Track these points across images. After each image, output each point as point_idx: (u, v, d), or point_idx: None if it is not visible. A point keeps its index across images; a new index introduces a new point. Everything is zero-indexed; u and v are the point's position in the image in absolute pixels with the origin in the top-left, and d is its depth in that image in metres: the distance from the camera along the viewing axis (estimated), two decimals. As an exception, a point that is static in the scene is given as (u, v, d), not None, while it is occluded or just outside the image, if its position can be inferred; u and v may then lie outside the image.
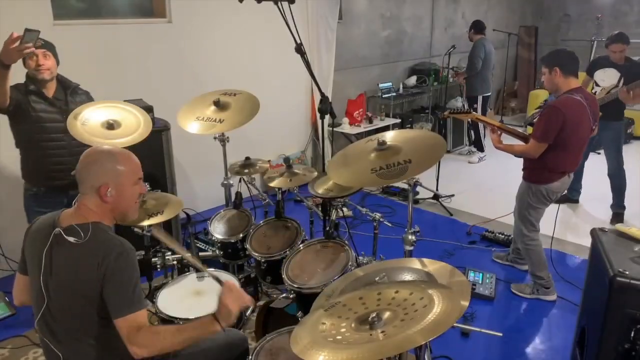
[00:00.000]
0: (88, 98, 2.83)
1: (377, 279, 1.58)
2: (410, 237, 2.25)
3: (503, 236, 3.94)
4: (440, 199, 4.77)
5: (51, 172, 2.67)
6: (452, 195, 4.88)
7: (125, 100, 3.02)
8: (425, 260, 1.88)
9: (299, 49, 2.50)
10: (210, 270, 2.04)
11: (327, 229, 2.54)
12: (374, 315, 1.35)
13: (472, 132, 6.39)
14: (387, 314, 1.38)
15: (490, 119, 3.43)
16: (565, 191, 4.50)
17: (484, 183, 5.38)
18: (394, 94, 6.17)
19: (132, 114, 2.76)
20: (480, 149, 6.16)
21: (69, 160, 2.69)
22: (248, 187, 3.11)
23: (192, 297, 2.23)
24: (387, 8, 6.22)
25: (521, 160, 3.12)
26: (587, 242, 2.42)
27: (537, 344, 2.84)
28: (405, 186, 2.15)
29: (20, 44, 2.22)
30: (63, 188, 2.72)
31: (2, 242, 3.39)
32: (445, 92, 6.55)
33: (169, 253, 2.83)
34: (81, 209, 1.61)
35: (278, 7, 2.38)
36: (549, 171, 2.96)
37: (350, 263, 2.22)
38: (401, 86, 6.44)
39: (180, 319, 2.05)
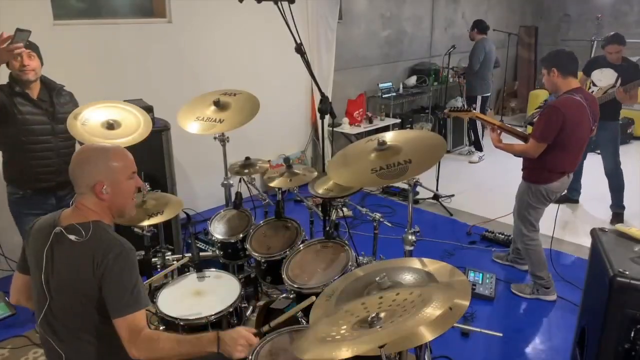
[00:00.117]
0: (72, 99, 2.80)
1: (377, 279, 1.58)
2: (410, 237, 2.25)
3: (503, 236, 3.94)
4: (440, 199, 4.77)
5: (38, 174, 2.65)
6: (452, 195, 4.89)
7: (125, 100, 3.02)
8: (425, 260, 1.88)
9: (299, 49, 2.50)
10: None
11: (327, 229, 2.54)
12: (374, 315, 1.35)
13: (471, 132, 6.40)
14: (387, 313, 1.38)
15: (490, 118, 3.43)
16: (565, 191, 4.51)
17: (484, 183, 5.38)
18: (394, 94, 6.17)
19: (132, 114, 2.76)
20: (479, 148, 6.17)
21: (56, 162, 2.69)
22: (248, 187, 3.11)
23: (192, 297, 2.23)
24: (387, 8, 6.22)
25: (521, 160, 3.12)
26: (587, 242, 2.42)
27: (537, 344, 2.84)
28: (405, 186, 2.14)
29: (10, 43, 2.21)
30: (50, 189, 2.72)
31: (2, 242, 3.39)
32: (445, 92, 6.56)
33: (169, 253, 2.84)
34: (80, 208, 1.61)
35: (278, 7, 2.38)
36: (549, 171, 2.96)
37: (350, 263, 2.22)
38: (401, 86, 6.44)
39: (180, 319, 2.05)
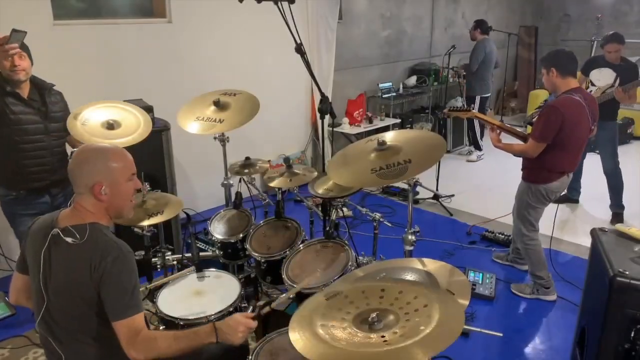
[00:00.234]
0: (62, 99, 2.79)
1: (377, 279, 1.58)
2: (410, 237, 2.26)
3: (503, 236, 3.94)
4: (440, 199, 4.77)
5: (32, 174, 2.65)
6: (452, 195, 4.88)
7: (125, 100, 3.02)
8: (425, 260, 1.88)
9: (299, 49, 2.50)
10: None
11: (327, 229, 2.54)
12: (374, 315, 1.35)
13: (469, 132, 6.41)
14: (388, 317, 1.37)
15: (489, 118, 3.43)
16: (565, 191, 4.52)
17: (484, 183, 5.38)
18: (394, 94, 6.17)
19: (132, 114, 2.76)
20: (478, 147, 6.18)
21: (50, 161, 2.69)
22: (248, 187, 3.11)
23: (192, 297, 2.22)
24: (387, 8, 6.22)
25: (521, 160, 3.12)
26: (587, 242, 2.42)
27: (537, 344, 2.84)
28: (405, 186, 2.15)
29: (6, 44, 2.21)
30: (45, 188, 2.72)
31: (2, 242, 3.39)
32: (445, 92, 6.56)
33: (169, 253, 2.84)
34: (78, 209, 1.60)
35: (278, 7, 2.38)
36: (548, 171, 2.96)
37: (350, 263, 2.22)
38: (401, 86, 6.44)
39: (180, 319, 2.05)
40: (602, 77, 4.11)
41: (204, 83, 3.95)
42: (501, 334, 2.63)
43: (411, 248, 2.28)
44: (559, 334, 2.90)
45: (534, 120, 3.07)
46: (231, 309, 2.10)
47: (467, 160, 6.15)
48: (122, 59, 3.85)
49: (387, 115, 6.12)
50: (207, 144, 3.37)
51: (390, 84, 6.21)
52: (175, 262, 2.79)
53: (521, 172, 3.14)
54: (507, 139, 3.13)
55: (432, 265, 1.86)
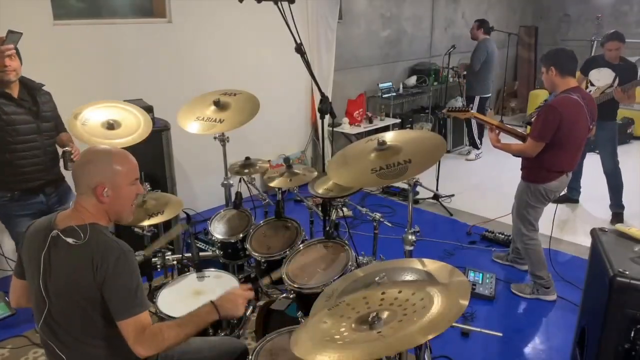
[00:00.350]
0: (51, 99, 2.78)
1: (377, 279, 1.58)
2: (410, 237, 2.25)
3: (503, 236, 3.94)
4: (440, 199, 4.77)
5: (26, 174, 2.64)
6: (452, 195, 4.88)
7: (125, 100, 3.02)
8: (425, 260, 1.88)
9: (299, 49, 2.50)
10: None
11: (327, 229, 2.54)
12: (374, 314, 1.35)
13: (466, 130, 6.42)
14: (386, 314, 1.38)
15: (488, 118, 3.43)
16: (565, 191, 4.52)
17: (483, 183, 5.38)
18: (394, 94, 6.17)
19: (132, 114, 2.76)
20: (475, 146, 6.19)
21: (43, 160, 2.69)
22: (248, 187, 3.11)
23: (192, 297, 2.22)
24: (387, 8, 6.22)
25: (520, 159, 3.12)
26: (587, 242, 2.42)
27: (537, 344, 2.84)
28: (405, 186, 2.14)
29: (2, 45, 2.21)
30: (39, 188, 2.71)
31: (1, 243, 3.39)
32: (445, 92, 6.56)
33: (169, 253, 2.84)
34: (78, 209, 1.60)
35: (278, 7, 2.38)
36: (547, 170, 2.96)
37: (350, 263, 2.22)
38: (401, 86, 6.44)
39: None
40: (602, 77, 4.11)
41: (204, 83, 3.95)
42: (501, 334, 2.65)
43: (411, 248, 2.28)
44: (559, 334, 2.90)
45: (532, 120, 3.07)
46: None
47: (466, 159, 6.16)
48: (122, 59, 3.85)
49: (387, 115, 6.12)
50: (207, 144, 3.37)
51: (390, 84, 6.21)
52: (175, 262, 2.79)
53: (520, 172, 3.14)
54: (506, 139, 3.13)
55: (432, 265, 1.86)
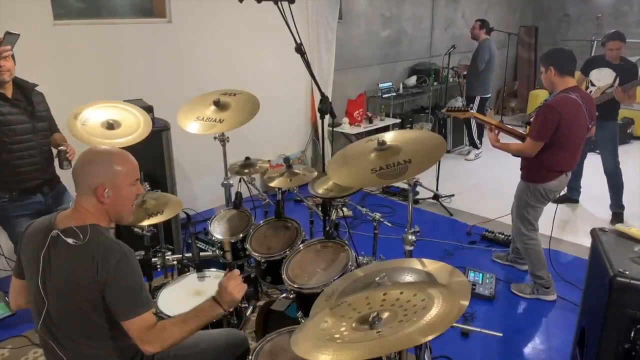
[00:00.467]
0: (44, 99, 2.78)
1: (377, 279, 1.58)
2: (410, 237, 2.25)
3: (503, 236, 3.94)
4: (440, 199, 4.77)
5: (23, 174, 2.65)
6: (452, 195, 4.89)
7: (125, 100, 3.02)
8: (425, 260, 1.88)
9: (299, 49, 2.50)
10: None
11: (327, 229, 2.54)
12: (374, 315, 1.35)
13: (466, 130, 6.42)
14: (387, 314, 1.38)
15: (487, 118, 3.43)
16: (565, 191, 4.52)
17: (483, 183, 5.38)
18: (394, 94, 6.17)
19: (132, 114, 2.76)
20: (475, 146, 6.19)
21: (39, 160, 2.70)
22: (248, 187, 3.11)
23: (192, 297, 2.23)
24: (387, 8, 6.22)
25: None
26: (587, 242, 2.42)
27: (537, 344, 2.84)
28: (405, 186, 2.14)
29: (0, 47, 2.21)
30: (37, 187, 2.72)
31: (1, 242, 3.39)
32: (445, 92, 6.56)
33: (169, 253, 2.84)
34: (78, 210, 1.60)
35: (278, 7, 2.38)
36: (547, 170, 2.96)
37: (350, 263, 2.22)
38: (401, 86, 6.44)
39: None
40: (602, 77, 4.11)
41: (204, 83, 3.95)
42: (501, 334, 2.65)
43: (411, 248, 2.28)
44: (559, 334, 2.90)
45: (531, 119, 3.08)
46: (231, 309, 2.10)
47: (465, 159, 6.16)
48: (122, 59, 3.85)
49: (387, 115, 6.12)
50: (207, 144, 3.37)
51: (390, 84, 6.21)
52: (175, 262, 2.79)
53: (520, 172, 3.14)
54: (506, 138, 3.13)
55: (432, 265, 1.86)
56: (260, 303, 2.51)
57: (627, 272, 1.89)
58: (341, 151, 2.31)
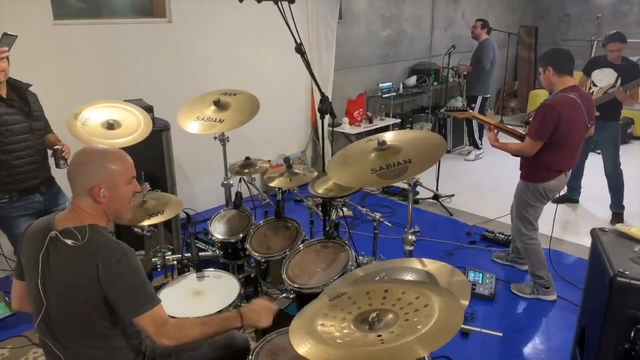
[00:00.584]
0: (37, 99, 2.77)
1: (377, 279, 1.58)
2: (410, 237, 2.25)
3: (503, 236, 3.94)
4: (440, 199, 4.77)
5: (21, 174, 2.64)
6: (452, 195, 4.89)
7: (125, 100, 3.02)
8: (425, 260, 1.88)
9: (299, 49, 2.51)
10: None
11: (327, 229, 2.54)
12: (374, 315, 1.35)
13: (467, 130, 6.42)
14: (388, 316, 1.37)
15: (486, 118, 3.43)
16: (565, 191, 4.52)
17: (483, 183, 5.38)
18: (394, 94, 6.17)
19: (132, 114, 2.76)
20: (476, 146, 6.18)
21: (37, 159, 2.70)
22: (248, 187, 3.11)
23: (192, 297, 2.23)
24: (387, 8, 6.22)
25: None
26: (587, 242, 2.42)
27: (537, 344, 2.84)
28: (405, 186, 2.14)
29: None
30: (35, 187, 2.72)
31: (1, 242, 3.39)
32: (445, 92, 6.56)
33: (169, 253, 2.84)
34: (75, 211, 1.59)
35: (278, 7, 2.38)
36: (546, 169, 2.97)
37: (350, 263, 2.22)
38: (401, 86, 6.44)
39: (180, 319, 2.04)
40: (604, 78, 4.11)
41: (204, 83, 3.95)
42: (501, 334, 2.64)
43: (411, 248, 2.28)
44: (559, 334, 2.90)
45: (530, 119, 3.08)
46: (231, 309, 2.10)
47: (465, 159, 6.16)
48: (122, 59, 3.85)
49: (387, 115, 6.12)
50: (207, 144, 3.37)
51: (390, 83, 6.21)
52: (175, 262, 2.79)
53: (519, 172, 3.14)
54: (505, 138, 3.13)
55: (432, 265, 1.86)
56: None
57: (627, 272, 1.88)
58: (341, 151, 2.31)
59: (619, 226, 2.25)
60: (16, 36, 2.43)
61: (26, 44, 3.20)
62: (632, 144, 6.69)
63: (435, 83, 6.67)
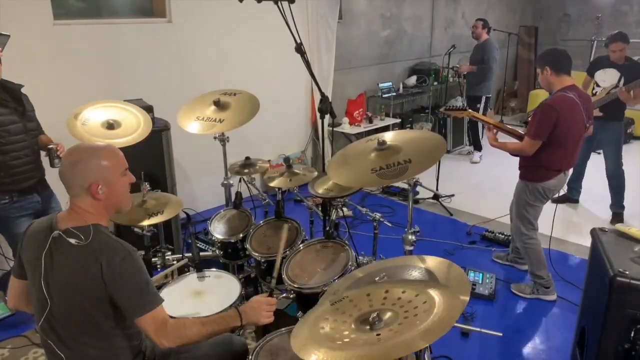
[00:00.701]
0: (29, 99, 2.76)
1: (377, 279, 1.58)
2: (410, 237, 2.25)
3: (503, 236, 3.94)
4: (440, 199, 4.77)
5: (19, 174, 2.65)
6: (452, 195, 4.89)
7: (125, 100, 3.02)
8: (424, 257, 1.88)
9: (299, 49, 2.51)
10: None
11: (327, 229, 2.54)
12: (375, 315, 1.35)
13: (470, 132, 6.40)
14: (388, 315, 1.37)
15: (485, 117, 3.43)
16: (566, 191, 4.52)
17: (483, 183, 5.38)
18: (394, 93, 6.17)
19: (132, 114, 2.76)
20: (479, 148, 6.17)
21: (33, 159, 2.71)
22: (248, 187, 3.11)
23: (192, 297, 2.22)
24: (387, 8, 6.22)
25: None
26: (587, 242, 2.42)
27: (537, 344, 2.84)
28: (405, 186, 2.15)
29: None
30: (33, 187, 2.73)
31: (1, 242, 3.39)
32: (445, 92, 6.56)
33: (169, 253, 2.84)
34: (76, 211, 1.59)
35: (278, 7, 2.38)
36: (545, 169, 2.97)
37: (350, 263, 2.22)
38: (401, 86, 6.44)
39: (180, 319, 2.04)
40: (607, 78, 4.10)
41: (204, 83, 3.95)
42: (501, 334, 2.65)
43: (411, 248, 2.28)
44: (559, 334, 2.90)
45: (529, 119, 3.08)
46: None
47: (471, 161, 6.11)
48: (122, 59, 3.85)
49: (387, 115, 6.12)
50: (207, 144, 3.37)
51: (390, 83, 6.21)
52: (175, 262, 2.79)
53: (518, 172, 3.15)
54: (505, 138, 3.13)
55: (431, 262, 1.86)
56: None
57: (627, 272, 1.89)
58: (341, 151, 2.31)
59: (619, 226, 2.25)
60: (9, 36, 2.42)
61: (26, 44, 3.21)
62: (632, 144, 6.69)
63: (435, 83, 6.67)
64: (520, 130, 3.23)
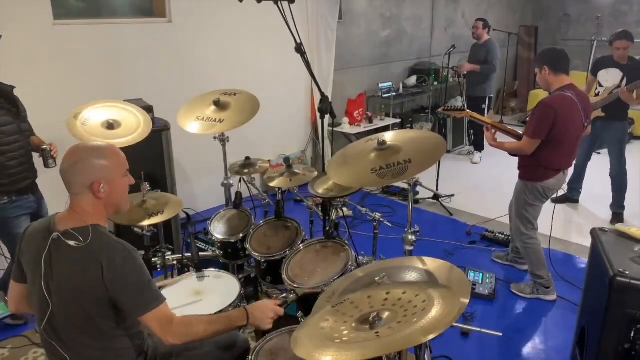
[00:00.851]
0: (20, 101, 2.77)
1: (377, 279, 1.58)
2: (410, 237, 2.25)
3: (503, 236, 3.94)
4: (440, 199, 4.77)
5: (16, 174, 2.65)
6: (452, 195, 4.89)
7: (125, 100, 3.02)
8: (424, 258, 1.87)
9: (299, 49, 2.51)
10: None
11: (327, 229, 2.54)
12: (375, 315, 1.35)
13: (472, 132, 6.39)
14: (387, 314, 1.38)
15: (484, 117, 3.43)
16: (566, 191, 4.52)
17: (483, 183, 5.38)
18: (394, 93, 6.17)
19: (132, 114, 2.76)
20: (480, 148, 6.16)
21: (27, 160, 2.72)
22: (248, 187, 3.11)
23: (192, 297, 2.22)
24: (387, 8, 6.22)
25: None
26: (587, 242, 2.42)
27: (537, 344, 2.84)
28: (405, 186, 2.14)
29: None
30: (29, 187, 2.74)
31: (1, 242, 3.39)
32: (445, 92, 6.55)
33: (169, 253, 2.84)
34: (76, 211, 1.58)
35: (278, 7, 2.38)
36: (544, 168, 2.97)
37: (350, 263, 2.22)
38: (401, 86, 6.44)
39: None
40: (610, 78, 4.09)
41: (204, 83, 3.95)
42: (501, 334, 2.64)
43: (411, 248, 2.28)
44: (559, 334, 2.90)
45: (527, 118, 3.08)
46: (231, 309, 2.10)
47: (472, 162, 6.10)
48: (122, 59, 3.85)
49: (387, 115, 6.12)
50: (207, 144, 3.37)
51: (390, 83, 6.21)
52: (175, 262, 2.79)
53: (518, 171, 3.15)
54: (504, 138, 3.13)
55: (432, 264, 1.86)
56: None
57: (627, 272, 1.89)
58: (341, 151, 2.31)
59: (619, 226, 2.25)
60: (0, 36, 2.41)
61: (26, 44, 3.21)
62: (632, 144, 6.68)
63: (435, 83, 6.67)
64: (519, 130, 3.23)
